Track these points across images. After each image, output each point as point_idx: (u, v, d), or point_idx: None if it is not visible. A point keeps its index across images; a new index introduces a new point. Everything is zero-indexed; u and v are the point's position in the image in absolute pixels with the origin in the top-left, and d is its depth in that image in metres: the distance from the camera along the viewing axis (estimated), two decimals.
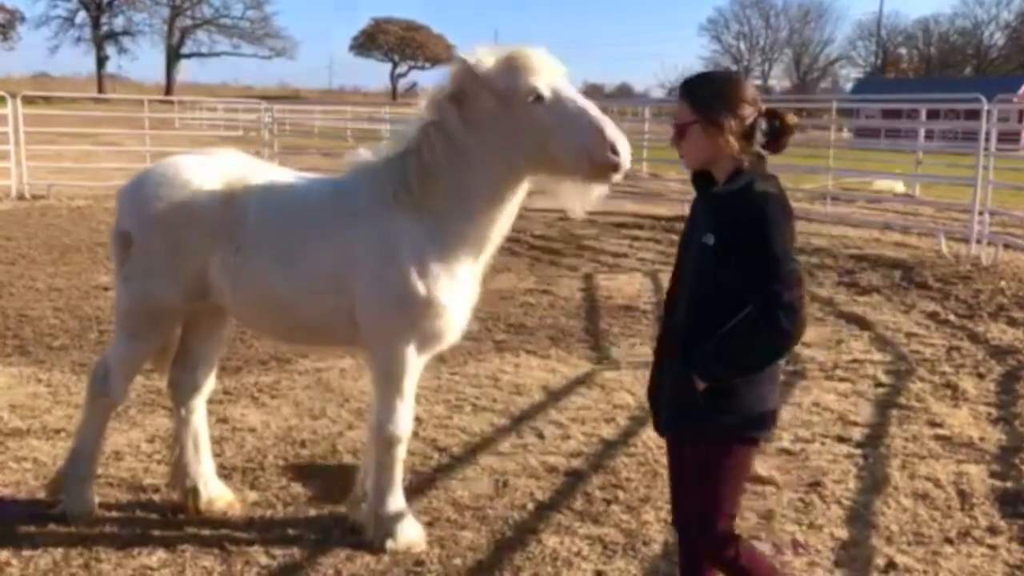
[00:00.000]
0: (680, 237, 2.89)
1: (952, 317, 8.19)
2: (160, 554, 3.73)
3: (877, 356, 6.96)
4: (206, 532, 3.92)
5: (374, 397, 3.79)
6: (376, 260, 3.53)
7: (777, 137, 2.68)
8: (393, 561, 3.70)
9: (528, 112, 3.33)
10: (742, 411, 2.67)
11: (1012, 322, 7.97)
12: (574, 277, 9.97)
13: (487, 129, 3.44)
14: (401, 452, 3.77)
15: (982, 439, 5.19)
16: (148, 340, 3.92)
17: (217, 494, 4.13)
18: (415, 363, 3.67)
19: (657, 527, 4.03)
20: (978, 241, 11.17)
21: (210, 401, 5.50)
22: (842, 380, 6.30)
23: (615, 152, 3.23)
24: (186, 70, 78.19)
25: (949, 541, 3.99)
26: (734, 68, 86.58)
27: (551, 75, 3.35)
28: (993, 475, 4.70)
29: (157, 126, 23.37)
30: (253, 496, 4.28)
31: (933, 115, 25.27)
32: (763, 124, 2.65)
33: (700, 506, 2.75)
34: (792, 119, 2.69)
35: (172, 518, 4.04)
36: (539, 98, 3.31)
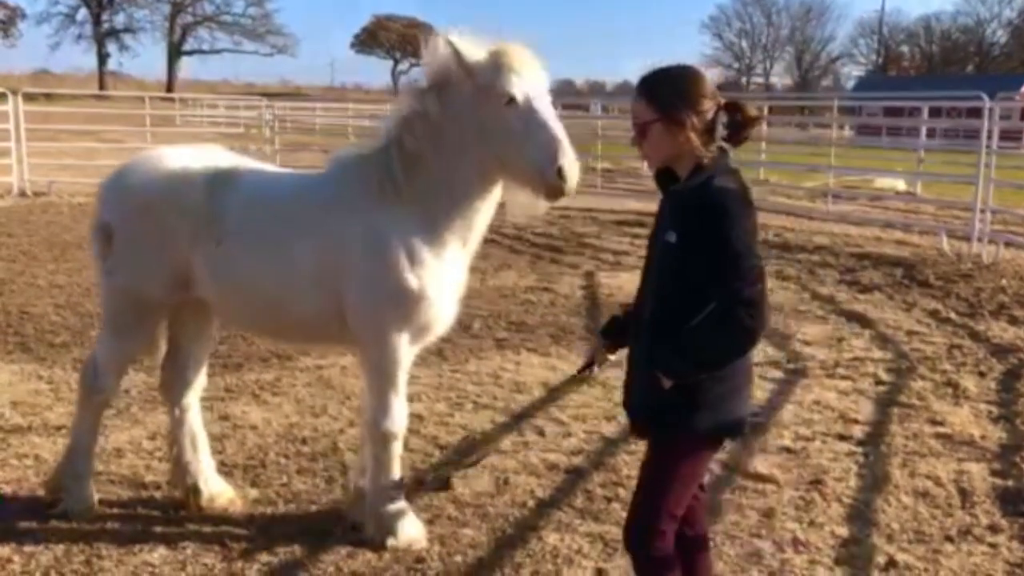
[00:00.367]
0: (649, 236, 2.85)
1: (953, 315, 8.18)
2: (161, 551, 3.73)
3: (878, 354, 6.95)
4: (207, 529, 3.92)
5: (367, 393, 3.78)
6: (364, 253, 3.52)
7: (738, 130, 2.63)
8: (394, 558, 3.70)
9: (499, 113, 3.33)
10: (709, 410, 2.62)
11: (1013, 320, 7.97)
12: (575, 275, 9.96)
13: (466, 121, 3.43)
14: (397, 448, 3.75)
15: (983, 437, 5.19)
16: (135, 334, 3.92)
17: (218, 491, 4.13)
18: (407, 355, 3.66)
19: None
20: (979, 239, 11.16)
21: (211, 398, 5.54)
22: (843, 378, 6.30)
23: (561, 177, 3.24)
24: (187, 67, 78.28)
25: (950, 539, 3.99)
26: (735, 66, 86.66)
27: (530, 78, 3.34)
28: (994, 473, 4.70)
29: (158, 123, 23.41)
30: (254, 493, 4.29)
31: (935, 113, 25.27)
32: (723, 118, 2.61)
33: (646, 494, 2.72)
34: (753, 111, 2.65)
35: (173, 515, 4.04)
36: (512, 101, 3.30)
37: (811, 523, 4.11)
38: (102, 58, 70.66)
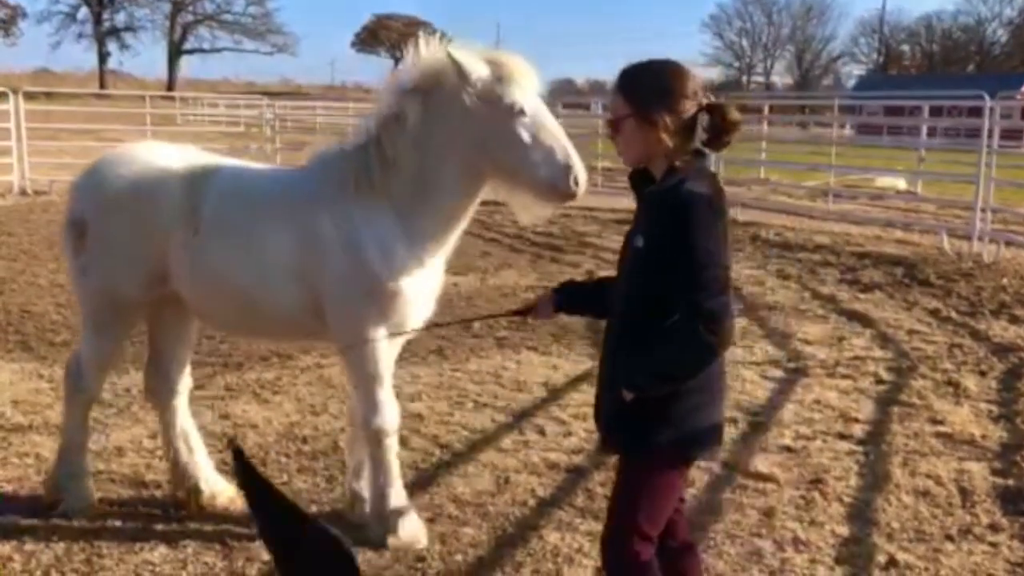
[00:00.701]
0: (624, 238, 2.70)
1: (954, 314, 8.18)
2: (162, 550, 3.74)
3: (879, 353, 6.95)
4: (208, 528, 3.92)
5: (353, 394, 3.78)
6: (339, 250, 3.51)
7: (718, 135, 2.48)
8: (395, 557, 3.70)
9: (506, 123, 3.34)
10: (673, 425, 2.48)
11: (1014, 319, 7.97)
12: (576, 274, 9.94)
13: (456, 127, 3.43)
14: (393, 444, 3.73)
15: (983, 436, 5.19)
16: (114, 332, 3.91)
17: (218, 490, 4.13)
18: (385, 352, 3.65)
19: None
20: (980, 238, 11.16)
21: (212, 397, 5.55)
22: (844, 377, 6.30)
23: (576, 183, 3.34)
24: (188, 66, 78.18)
25: (950, 538, 3.99)
26: (736, 64, 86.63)
27: (531, 87, 3.38)
28: (994, 472, 4.70)
29: (159, 122, 23.38)
30: None
31: (935, 112, 25.25)
32: (705, 120, 2.45)
33: (616, 517, 2.59)
34: (735, 115, 2.47)
35: (174, 514, 4.05)
36: (520, 112, 3.33)
37: (812, 522, 4.11)
38: (103, 57, 70.62)
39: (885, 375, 6.37)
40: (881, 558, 3.80)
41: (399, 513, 3.78)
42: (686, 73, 2.51)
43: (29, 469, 4.49)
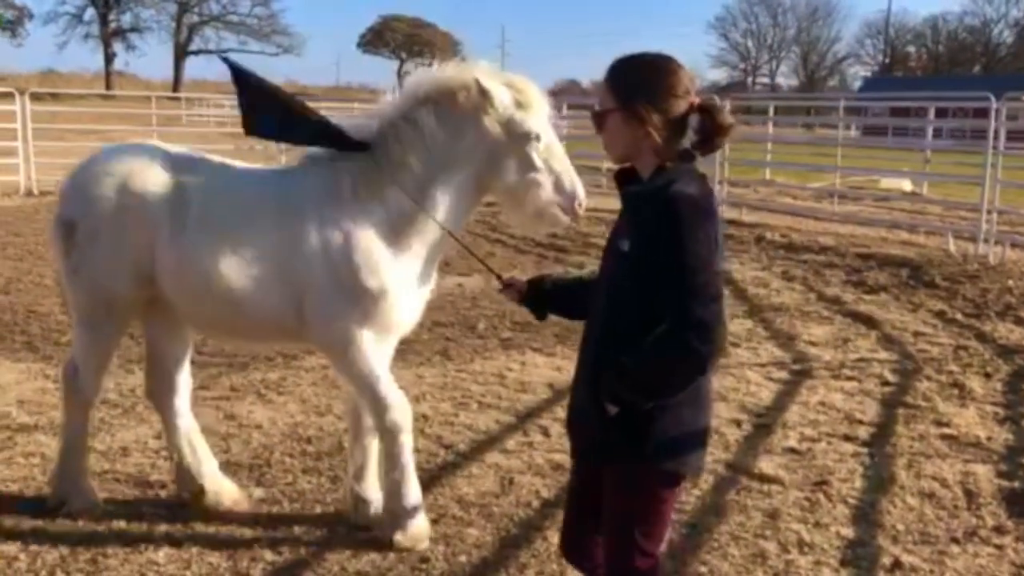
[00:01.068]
0: (607, 239, 2.53)
1: (959, 316, 8.16)
2: (166, 550, 3.74)
3: (884, 355, 6.94)
4: (213, 528, 3.93)
5: (355, 397, 3.77)
6: (325, 251, 3.51)
7: (708, 138, 2.34)
8: (398, 558, 3.70)
9: (522, 148, 3.44)
10: (660, 441, 2.32)
11: (1019, 321, 7.94)
12: (581, 276, 9.93)
13: (471, 146, 3.49)
14: (408, 442, 3.70)
15: (989, 439, 5.18)
16: (107, 332, 3.89)
17: (223, 490, 4.13)
18: (376, 349, 3.63)
19: None
20: (986, 240, 11.14)
21: (217, 398, 5.56)
22: (849, 379, 6.29)
23: (580, 207, 3.49)
24: (193, 67, 78.38)
25: (955, 541, 3.98)
26: (741, 66, 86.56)
27: (544, 114, 3.49)
28: (1000, 475, 4.69)
29: (164, 123, 23.42)
30: (259, 492, 4.29)
31: (941, 113, 25.18)
32: (695, 121, 2.32)
33: (612, 543, 2.46)
34: (727, 119, 2.33)
35: (179, 514, 4.05)
36: (537, 138, 3.43)
37: (816, 524, 4.10)
38: (108, 58, 70.76)
39: (890, 377, 6.36)
40: (886, 560, 3.79)
41: (412, 512, 3.76)
42: (678, 69, 2.35)
43: (35, 469, 4.50)
